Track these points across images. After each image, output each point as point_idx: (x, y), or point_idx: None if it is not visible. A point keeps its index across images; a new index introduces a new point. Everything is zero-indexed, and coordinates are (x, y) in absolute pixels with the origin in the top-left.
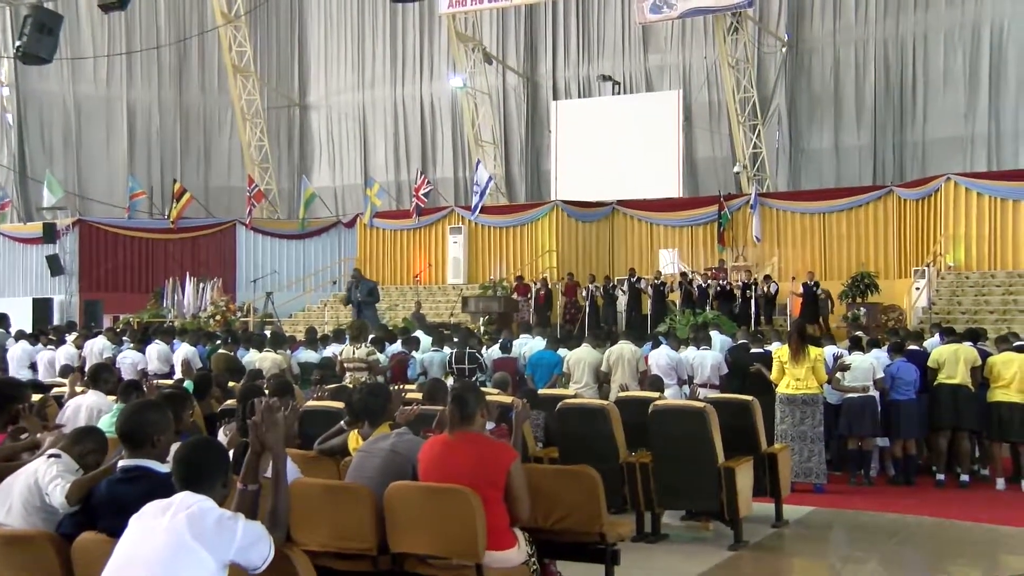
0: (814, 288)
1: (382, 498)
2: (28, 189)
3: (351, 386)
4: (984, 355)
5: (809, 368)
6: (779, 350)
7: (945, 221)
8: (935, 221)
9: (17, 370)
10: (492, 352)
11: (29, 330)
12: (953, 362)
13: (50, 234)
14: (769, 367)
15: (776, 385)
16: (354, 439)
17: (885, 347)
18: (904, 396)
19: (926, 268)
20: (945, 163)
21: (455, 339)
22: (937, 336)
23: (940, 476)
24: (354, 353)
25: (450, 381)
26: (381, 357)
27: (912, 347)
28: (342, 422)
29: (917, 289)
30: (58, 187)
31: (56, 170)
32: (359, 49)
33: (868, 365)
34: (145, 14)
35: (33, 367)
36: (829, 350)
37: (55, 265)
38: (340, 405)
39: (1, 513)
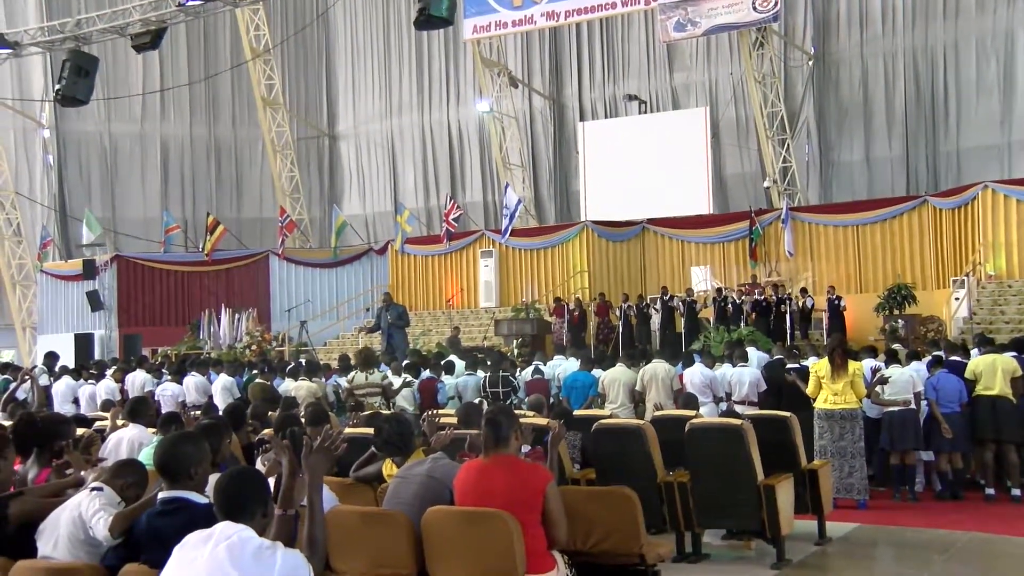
0: (836, 302)
1: (419, 524)
2: (68, 227)
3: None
4: None
5: (847, 383)
6: (816, 365)
7: (983, 229)
8: (972, 230)
9: (61, 405)
10: (525, 375)
11: (71, 366)
12: (990, 373)
13: (89, 271)
14: (806, 382)
15: (813, 400)
16: (388, 466)
17: (925, 359)
18: (947, 409)
19: (965, 278)
20: (981, 171)
21: (488, 363)
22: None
23: (989, 490)
24: (366, 379)
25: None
26: (395, 380)
27: (954, 359)
28: (372, 448)
29: (956, 299)
30: (96, 224)
31: (94, 207)
32: (386, 78)
33: (908, 378)
34: (176, 52)
35: (76, 402)
36: (867, 363)
37: (95, 301)
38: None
39: (48, 547)
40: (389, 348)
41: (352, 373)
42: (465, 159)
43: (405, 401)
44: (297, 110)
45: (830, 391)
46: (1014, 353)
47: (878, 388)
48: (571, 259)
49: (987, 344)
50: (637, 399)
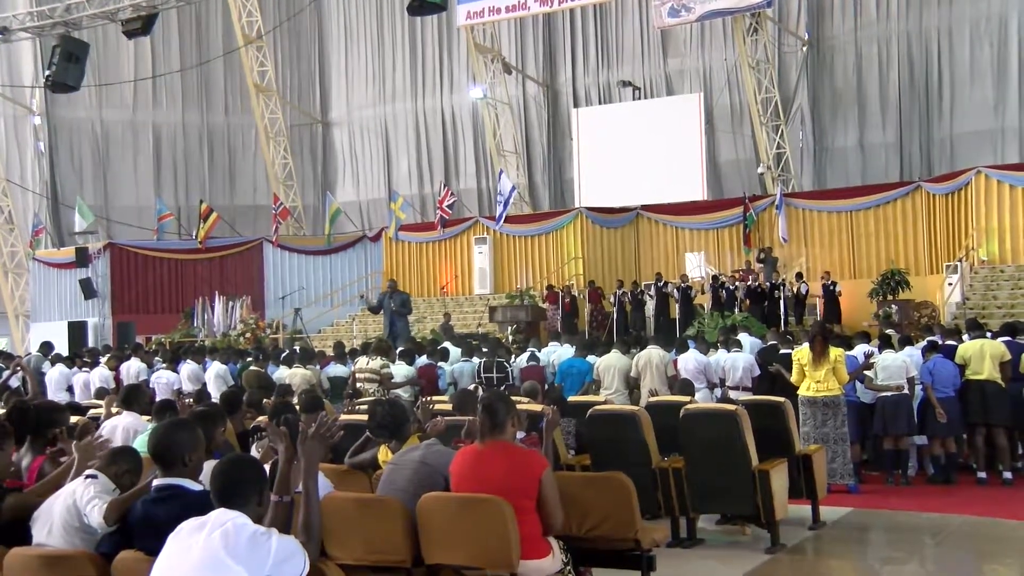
0: (831, 287)
1: (414, 510)
2: (60, 215)
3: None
4: (1021, 349)
5: (829, 369)
6: (798, 352)
7: (976, 215)
8: (966, 215)
9: (55, 393)
10: (521, 361)
11: (65, 353)
12: (979, 358)
13: (82, 258)
14: (790, 369)
15: (796, 387)
16: (383, 452)
17: (918, 345)
18: (942, 394)
19: (958, 263)
20: (974, 157)
21: (483, 349)
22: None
23: (981, 474)
24: (368, 364)
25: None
26: (398, 370)
27: (950, 343)
28: (367, 432)
29: (950, 285)
30: (88, 212)
31: (86, 195)
32: (379, 64)
33: (901, 363)
34: (168, 38)
35: (70, 390)
36: (862, 348)
37: (88, 289)
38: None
39: (43, 534)
40: (391, 335)
41: (359, 358)
42: (459, 146)
43: (405, 392)
44: (290, 97)
45: (812, 378)
46: (1006, 338)
47: (869, 373)
48: (565, 245)
49: (976, 329)
50: (632, 385)
